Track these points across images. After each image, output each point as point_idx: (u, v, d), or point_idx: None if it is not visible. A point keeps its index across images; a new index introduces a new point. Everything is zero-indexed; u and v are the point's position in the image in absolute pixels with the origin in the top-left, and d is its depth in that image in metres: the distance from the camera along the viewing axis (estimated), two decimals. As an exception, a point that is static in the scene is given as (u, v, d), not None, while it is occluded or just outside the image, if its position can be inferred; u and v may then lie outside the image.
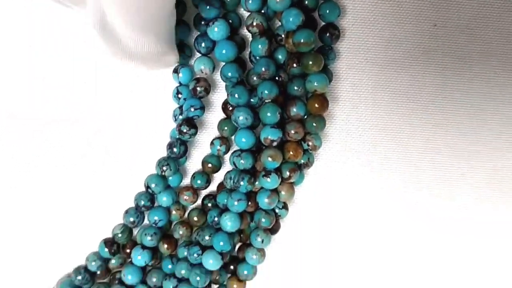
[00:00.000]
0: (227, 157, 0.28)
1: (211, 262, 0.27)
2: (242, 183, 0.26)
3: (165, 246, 0.28)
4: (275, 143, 0.26)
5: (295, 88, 0.26)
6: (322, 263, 0.30)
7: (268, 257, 0.29)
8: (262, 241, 0.27)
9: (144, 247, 0.27)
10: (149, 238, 0.27)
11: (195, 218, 0.28)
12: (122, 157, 0.29)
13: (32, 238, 0.29)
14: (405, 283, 0.30)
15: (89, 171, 0.29)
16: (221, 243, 0.27)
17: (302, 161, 0.27)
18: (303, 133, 0.26)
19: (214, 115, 0.28)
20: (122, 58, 0.24)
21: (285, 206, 0.28)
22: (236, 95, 0.26)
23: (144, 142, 0.29)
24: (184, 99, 0.27)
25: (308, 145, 0.27)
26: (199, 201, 0.29)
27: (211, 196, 0.28)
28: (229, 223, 0.27)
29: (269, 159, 0.26)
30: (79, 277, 0.27)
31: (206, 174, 0.28)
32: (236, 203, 0.26)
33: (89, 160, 0.29)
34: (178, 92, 0.27)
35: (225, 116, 0.28)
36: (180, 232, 0.28)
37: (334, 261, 0.30)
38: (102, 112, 0.28)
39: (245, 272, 0.28)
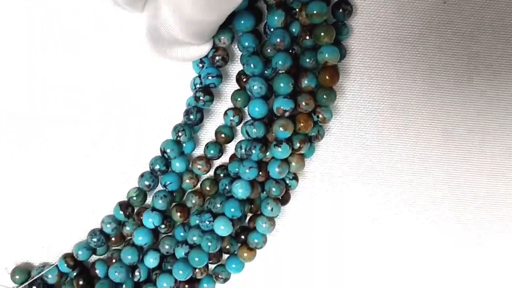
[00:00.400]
0: (239, 129, 0.29)
1: (223, 228, 0.27)
2: (254, 151, 0.27)
3: (178, 214, 0.29)
4: (287, 113, 0.26)
5: (307, 60, 0.27)
6: (332, 236, 0.31)
7: (278, 230, 0.30)
8: (272, 210, 0.28)
9: (154, 209, 0.28)
10: (160, 201, 0.28)
11: (208, 188, 0.29)
12: (126, 157, 0.29)
13: (31, 238, 0.30)
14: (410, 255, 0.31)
15: (90, 171, 0.29)
16: (232, 210, 0.27)
17: (313, 133, 0.28)
18: (313, 105, 0.27)
19: (229, 87, 0.29)
20: (164, 58, 0.26)
21: (295, 177, 0.29)
22: (252, 65, 0.26)
23: (149, 142, 0.29)
24: (207, 68, 0.27)
25: (318, 117, 0.28)
26: (212, 172, 0.29)
27: (223, 167, 0.29)
28: (240, 190, 0.27)
29: (281, 128, 0.26)
30: (94, 239, 0.28)
31: (219, 144, 0.29)
32: (247, 170, 0.27)
33: (92, 160, 0.29)
34: (200, 61, 0.27)
35: (239, 87, 0.28)
36: (193, 201, 0.29)
37: (344, 234, 0.31)
38: (107, 112, 0.29)
39: (256, 241, 0.29)
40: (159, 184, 0.28)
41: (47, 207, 0.29)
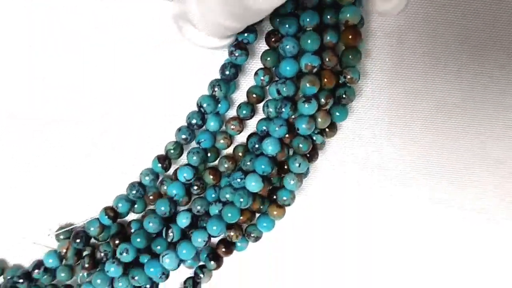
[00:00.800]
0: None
1: (254, 184, 0.28)
2: (284, 109, 0.28)
3: (211, 176, 0.29)
4: (315, 70, 0.27)
5: (328, 17, 0.28)
6: (361, 195, 0.31)
7: (308, 190, 0.31)
8: (299, 165, 0.29)
9: (188, 164, 0.29)
10: (194, 157, 0.29)
11: (240, 154, 0.30)
12: (126, 157, 0.30)
13: (31, 238, 0.30)
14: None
15: (90, 171, 0.30)
16: (263, 166, 0.28)
17: (341, 94, 0.28)
18: (336, 60, 0.28)
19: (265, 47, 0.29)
20: (188, 41, 0.27)
21: (320, 132, 0.29)
22: (287, 25, 0.28)
23: (149, 142, 0.30)
24: None
25: (345, 77, 0.28)
26: (244, 139, 0.30)
27: (256, 134, 0.30)
28: (270, 147, 0.28)
29: (308, 84, 0.27)
30: (134, 191, 0.29)
31: (251, 105, 0.29)
32: (277, 128, 0.28)
33: (92, 160, 0.30)
34: None
35: (268, 47, 0.29)
36: (225, 166, 0.29)
37: (373, 194, 0.31)
38: (107, 112, 0.29)
39: (284, 198, 0.29)
40: (195, 141, 0.29)
41: (47, 207, 0.30)
